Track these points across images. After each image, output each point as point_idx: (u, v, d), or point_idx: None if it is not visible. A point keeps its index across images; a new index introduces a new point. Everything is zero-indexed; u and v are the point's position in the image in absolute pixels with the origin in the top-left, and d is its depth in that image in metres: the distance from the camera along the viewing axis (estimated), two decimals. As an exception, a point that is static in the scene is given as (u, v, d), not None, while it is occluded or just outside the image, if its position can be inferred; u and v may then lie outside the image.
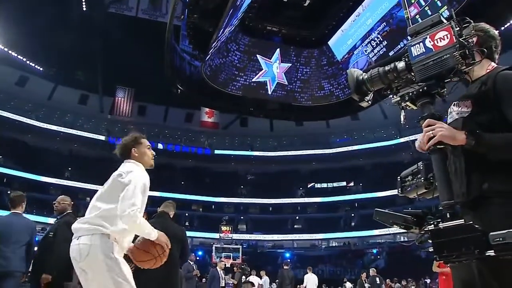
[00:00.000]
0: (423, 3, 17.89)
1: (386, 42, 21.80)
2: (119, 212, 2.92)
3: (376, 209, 2.15)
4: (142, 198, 3.08)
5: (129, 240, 3.14)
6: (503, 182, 1.88)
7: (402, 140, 39.97)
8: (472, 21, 1.99)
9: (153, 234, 3.11)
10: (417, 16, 17.62)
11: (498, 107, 1.94)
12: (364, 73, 2.17)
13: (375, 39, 22.52)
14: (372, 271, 15.86)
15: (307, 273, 15.45)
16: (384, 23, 21.92)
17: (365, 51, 23.12)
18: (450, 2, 17.35)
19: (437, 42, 1.90)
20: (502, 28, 22.51)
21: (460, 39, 1.86)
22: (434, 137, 1.89)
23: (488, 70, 2.09)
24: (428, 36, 1.94)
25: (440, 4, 17.46)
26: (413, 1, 18.15)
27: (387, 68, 2.10)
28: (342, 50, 25.30)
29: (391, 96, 2.16)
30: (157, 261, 3.22)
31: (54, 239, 5.44)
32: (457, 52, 1.84)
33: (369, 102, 2.24)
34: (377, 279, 15.41)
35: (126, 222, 2.93)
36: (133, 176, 3.08)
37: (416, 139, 2.17)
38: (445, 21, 1.93)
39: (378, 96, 2.25)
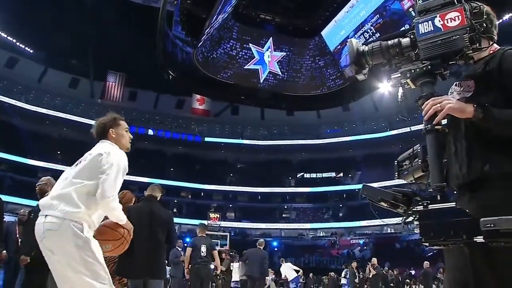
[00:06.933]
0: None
1: (379, 34, 21.80)
2: (99, 195, 2.78)
3: (364, 184, 2.12)
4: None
5: (98, 220, 3.00)
6: (504, 164, 1.84)
7: (392, 132, 40.20)
8: (484, 5, 1.95)
9: (123, 219, 3.04)
10: (410, 9, 17.66)
11: (501, 86, 1.91)
12: (364, 45, 2.11)
13: (368, 30, 22.54)
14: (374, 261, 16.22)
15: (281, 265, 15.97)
16: (378, 15, 21.94)
17: (358, 42, 23.14)
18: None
19: (447, 22, 1.85)
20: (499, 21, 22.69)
21: (472, 22, 1.83)
22: (442, 110, 1.85)
23: (491, 51, 2.06)
24: (438, 15, 1.88)
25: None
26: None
27: (390, 42, 2.05)
28: (334, 40, 25.30)
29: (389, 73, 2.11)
30: (123, 243, 3.07)
31: (34, 221, 5.43)
32: (467, 35, 1.80)
33: (365, 75, 2.17)
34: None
35: (105, 206, 2.84)
36: (115, 159, 2.97)
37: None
38: (456, 2, 1.88)
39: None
